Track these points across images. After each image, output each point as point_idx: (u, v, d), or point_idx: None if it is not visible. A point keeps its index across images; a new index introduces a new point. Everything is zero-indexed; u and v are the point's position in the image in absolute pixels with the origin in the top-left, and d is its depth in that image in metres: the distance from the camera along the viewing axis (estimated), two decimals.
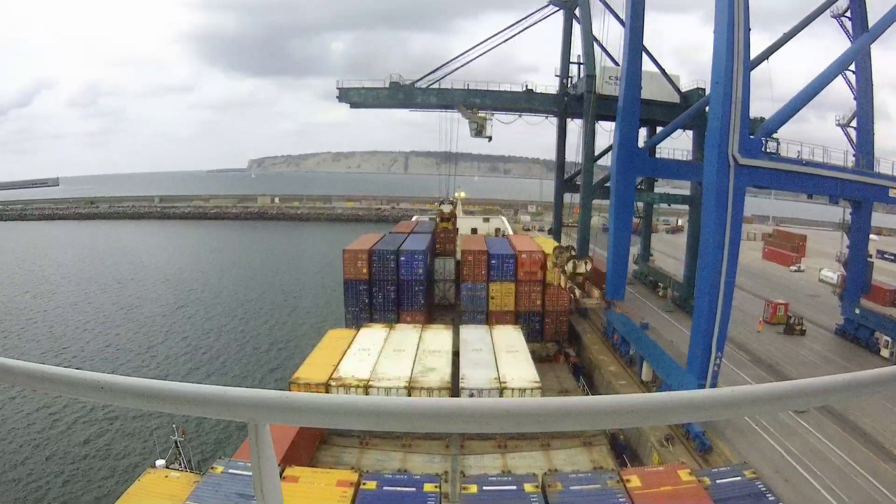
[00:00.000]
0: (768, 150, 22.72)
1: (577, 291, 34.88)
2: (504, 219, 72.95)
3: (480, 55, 44.87)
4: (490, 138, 42.83)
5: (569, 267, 33.26)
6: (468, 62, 44.44)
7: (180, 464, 18.09)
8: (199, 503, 13.08)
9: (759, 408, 1.49)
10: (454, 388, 21.66)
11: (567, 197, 48.67)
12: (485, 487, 14.68)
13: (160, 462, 17.16)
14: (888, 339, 29.67)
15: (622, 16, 33.44)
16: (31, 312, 51.07)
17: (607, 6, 40.64)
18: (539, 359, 28.33)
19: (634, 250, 46.02)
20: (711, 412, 1.48)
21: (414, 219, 64.52)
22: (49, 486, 24.15)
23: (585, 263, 33.73)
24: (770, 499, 13.81)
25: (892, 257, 53.71)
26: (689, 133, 38.31)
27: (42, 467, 25.54)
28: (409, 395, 20.20)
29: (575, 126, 45.13)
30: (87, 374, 1.51)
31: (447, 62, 43.89)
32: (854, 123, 32.49)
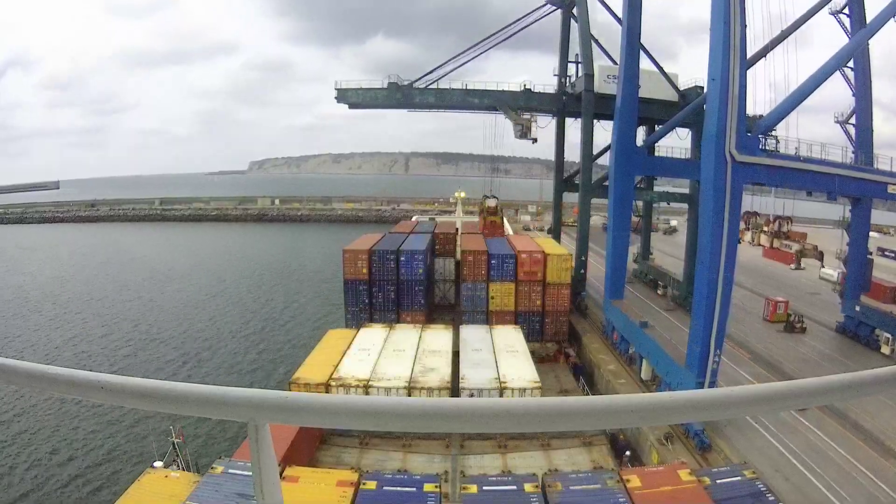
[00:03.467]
0: (767, 147, 22.72)
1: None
2: (504, 219, 72.94)
3: (480, 54, 44.98)
4: (535, 140, 41.49)
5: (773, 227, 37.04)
6: (466, 62, 44.57)
7: (178, 465, 18.09)
8: (198, 503, 13.07)
9: (759, 408, 1.49)
10: (454, 388, 21.66)
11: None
12: (485, 487, 14.65)
13: (158, 463, 17.17)
14: (888, 336, 29.68)
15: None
16: (30, 313, 51.10)
17: (605, 5, 40.72)
18: (539, 359, 28.35)
19: (634, 249, 46.05)
20: (711, 412, 1.48)
21: (414, 219, 64.51)
22: (48, 487, 24.10)
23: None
24: (770, 498, 13.76)
25: (893, 255, 53.66)
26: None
27: (41, 467, 25.48)
28: (409, 395, 20.20)
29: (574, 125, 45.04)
30: (87, 374, 1.51)
31: (444, 62, 43.95)
32: (853, 120, 32.47)
